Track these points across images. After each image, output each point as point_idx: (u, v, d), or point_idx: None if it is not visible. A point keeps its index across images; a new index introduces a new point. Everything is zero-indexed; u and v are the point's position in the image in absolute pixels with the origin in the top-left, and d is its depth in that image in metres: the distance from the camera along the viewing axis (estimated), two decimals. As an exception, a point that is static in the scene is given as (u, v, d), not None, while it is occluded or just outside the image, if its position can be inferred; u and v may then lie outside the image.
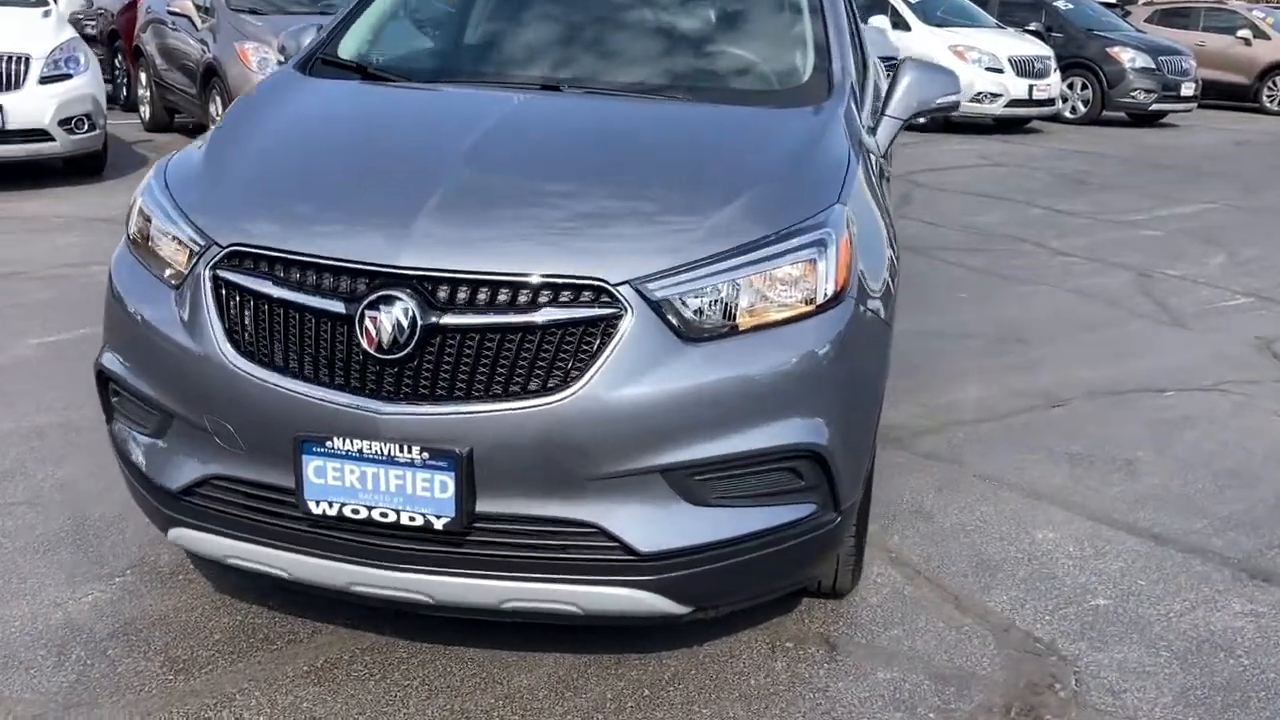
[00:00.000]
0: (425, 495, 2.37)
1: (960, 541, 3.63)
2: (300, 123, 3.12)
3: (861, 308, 2.67)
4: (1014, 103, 15.03)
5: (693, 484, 2.46)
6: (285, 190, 2.71)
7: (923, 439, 4.47)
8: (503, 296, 2.37)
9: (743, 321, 2.50)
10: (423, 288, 2.37)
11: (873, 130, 3.56)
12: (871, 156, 3.35)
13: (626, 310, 2.38)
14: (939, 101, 3.64)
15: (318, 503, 2.41)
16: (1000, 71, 14.91)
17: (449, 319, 2.35)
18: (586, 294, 2.39)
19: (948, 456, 4.31)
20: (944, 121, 14.69)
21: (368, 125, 3.15)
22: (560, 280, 2.38)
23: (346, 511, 2.40)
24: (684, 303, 2.44)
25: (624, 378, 2.36)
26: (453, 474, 2.34)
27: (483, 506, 2.40)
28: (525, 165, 2.76)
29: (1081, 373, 5.39)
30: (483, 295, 2.37)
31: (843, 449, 2.61)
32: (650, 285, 2.42)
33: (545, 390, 2.36)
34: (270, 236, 2.51)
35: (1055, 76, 15.55)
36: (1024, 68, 15.12)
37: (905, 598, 3.27)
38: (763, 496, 2.55)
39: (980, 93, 14.71)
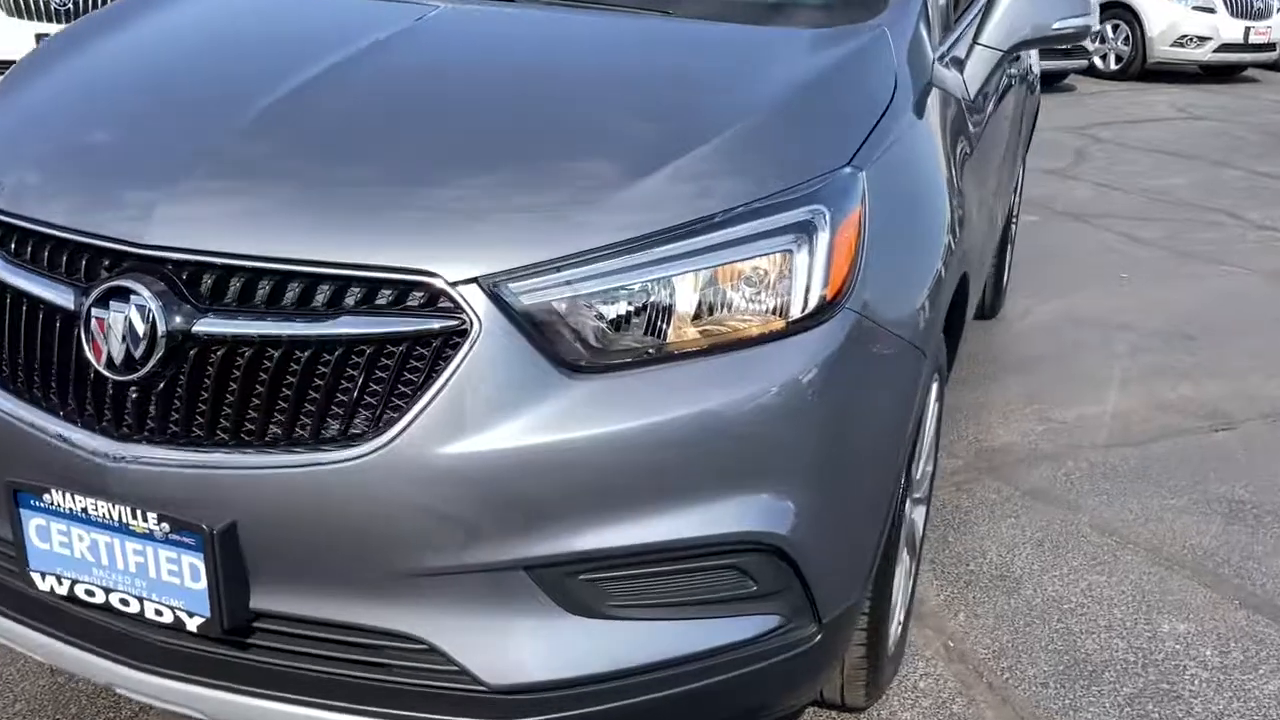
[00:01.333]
0: (173, 582, 1.63)
1: (1051, 627, 2.68)
2: (112, 43, 2.31)
3: (870, 326, 1.77)
4: (1225, 47, 13.12)
5: (577, 586, 1.64)
6: (44, 134, 1.97)
7: (1032, 468, 3.49)
8: (289, 295, 1.59)
9: (670, 343, 1.65)
10: (177, 278, 1.61)
11: (958, 64, 2.60)
12: (945, 100, 2.40)
13: (472, 322, 1.57)
14: (1058, 27, 2.63)
15: (44, 575, 1.71)
16: (1211, 11, 13.07)
17: (206, 325, 1.58)
18: (414, 296, 1.58)
19: (1060, 495, 3.33)
20: (1140, 67, 13.01)
21: (195, 43, 2.32)
22: (373, 274, 1.58)
23: (80, 591, 1.69)
24: (570, 314, 1.61)
25: (464, 425, 1.56)
26: (202, 556, 1.59)
27: (262, 602, 1.64)
28: (375, 113, 1.91)
29: (1263, 386, 4.26)
30: (261, 291, 1.59)
31: (824, 538, 1.75)
32: (514, 286, 1.59)
33: (344, 439, 1.57)
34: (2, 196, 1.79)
35: (1278, 18, 13.58)
36: (1240, 7, 13.21)
37: (953, 718, 2.37)
38: (693, 605, 1.71)
39: (1185, 35, 12.94)
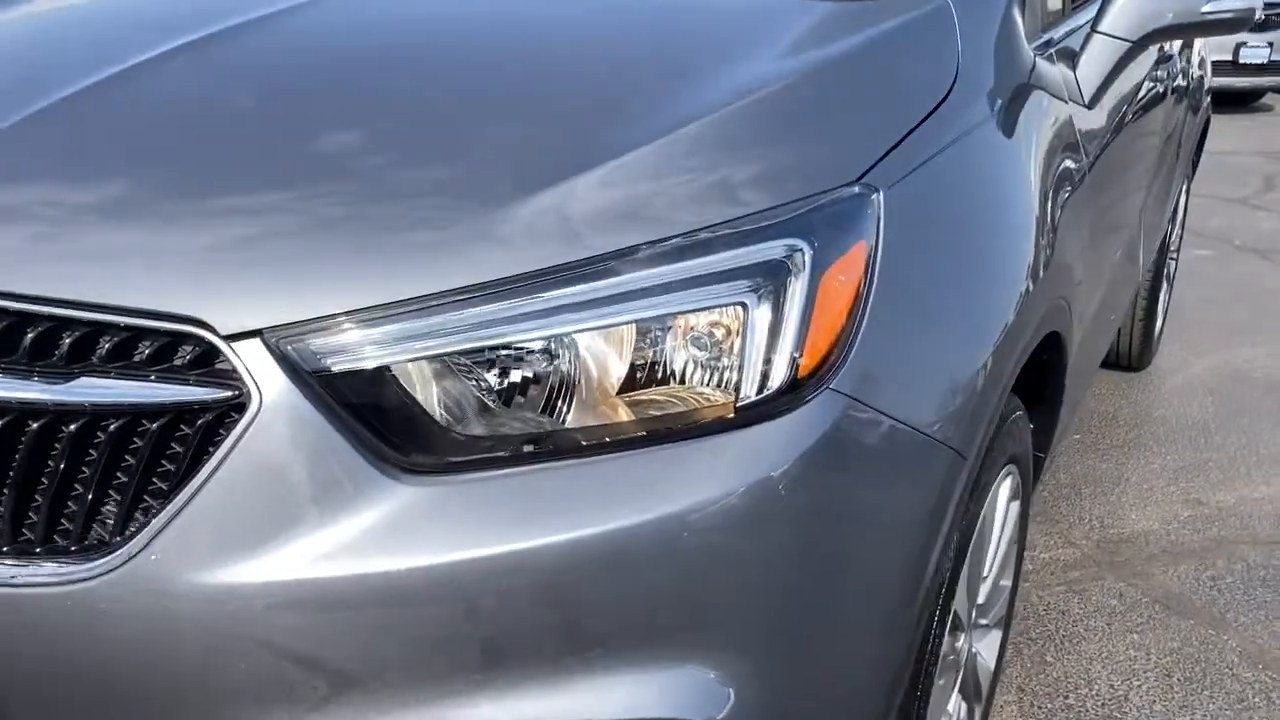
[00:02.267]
0: None
1: (1170, 799, 2.04)
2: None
3: (869, 416, 1.23)
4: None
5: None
6: None
7: (1169, 566, 2.81)
8: (20, 346, 1.14)
9: (557, 434, 1.15)
10: None
11: (1069, 58, 2.00)
12: (1044, 104, 1.82)
13: (250, 392, 1.09)
14: (1208, 11, 2.01)
15: None
16: None
17: None
18: (180, 352, 1.12)
19: (1203, 607, 2.64)
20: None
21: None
22: (123, 319, 1.12)
23: None
24: (403, 385, 1.12)
25: (232, 540, 1.08)
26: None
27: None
28: (178, 113, 1.41)
29: None
30: None
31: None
32: (316, 344, 1.11)
33: (80, 548, 1.12)
34: None
35: None
36: None
37: None
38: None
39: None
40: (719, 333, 1.18)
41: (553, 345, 1.15)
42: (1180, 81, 3.26)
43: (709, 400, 1.17)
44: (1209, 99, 3.99)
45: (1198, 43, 3.70)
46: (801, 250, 1.21)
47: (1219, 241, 5.87)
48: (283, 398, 1.09)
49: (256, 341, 1.09)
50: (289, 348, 1.09)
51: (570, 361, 1.16)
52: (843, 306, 1.22)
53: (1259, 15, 2.08)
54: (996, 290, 1.48)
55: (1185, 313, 4.61)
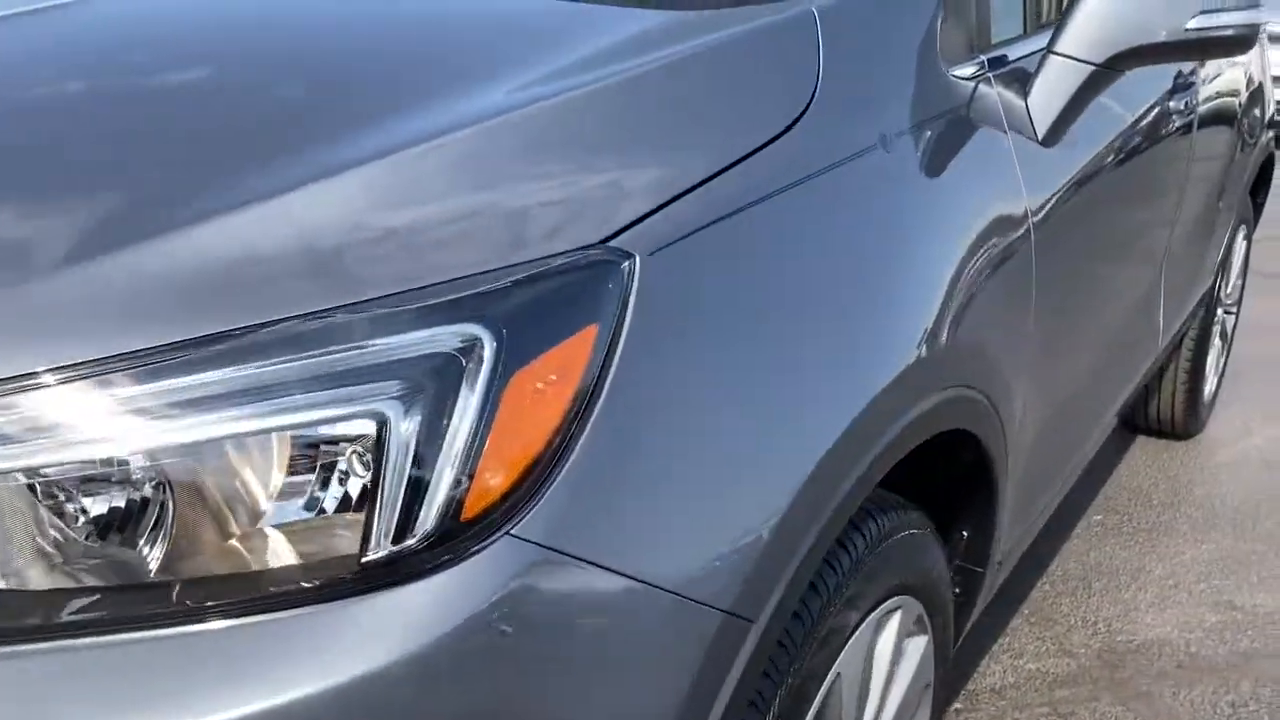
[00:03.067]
0: None
1: None
2: None
3: (581, 577, 0.88)
4: None
5: None
6: None
7: (1183, 687, 2.36)
8: None
9: (109, 600, 0.83)
10: None
11: (1020, 82, 1.62)
12: (972, 134, 1.45)
13: None
14: (1194, 28, 1.60)
15: None
16: None
17: None
18: None
19: (1214, 742, 2.20)
20: None
21: None
22: None
23: None
24: None
25: None
26: None
27: None
28: None
29: None
30: None
31: None
32: None
33: None
34: None
35: None
36: None
37: None
38: None
39: None
40: (353, 457, 0.85)
41: (117, 468, 0.84)
42: (1218, 111, 2.82)
43: (328, 551, 0.85)
44: (1272, 133, 3.51)
45: (1251, 65, 3.24)
46: (479, 341, 0.87)
47: (1301, 290, 5.31)
48: None
49: None
50: None
51: (127, 496, 0.84)
52: (547, 418, 0.89)
53: (1269, 30, 1.67)
54: (828, 387, 1.12)
55: (1253, 372, 4.10)
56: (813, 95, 1.22)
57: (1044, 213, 1.63)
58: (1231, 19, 1.62)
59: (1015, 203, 1.56)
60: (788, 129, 1.17)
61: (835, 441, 1.11)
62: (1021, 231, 1.56)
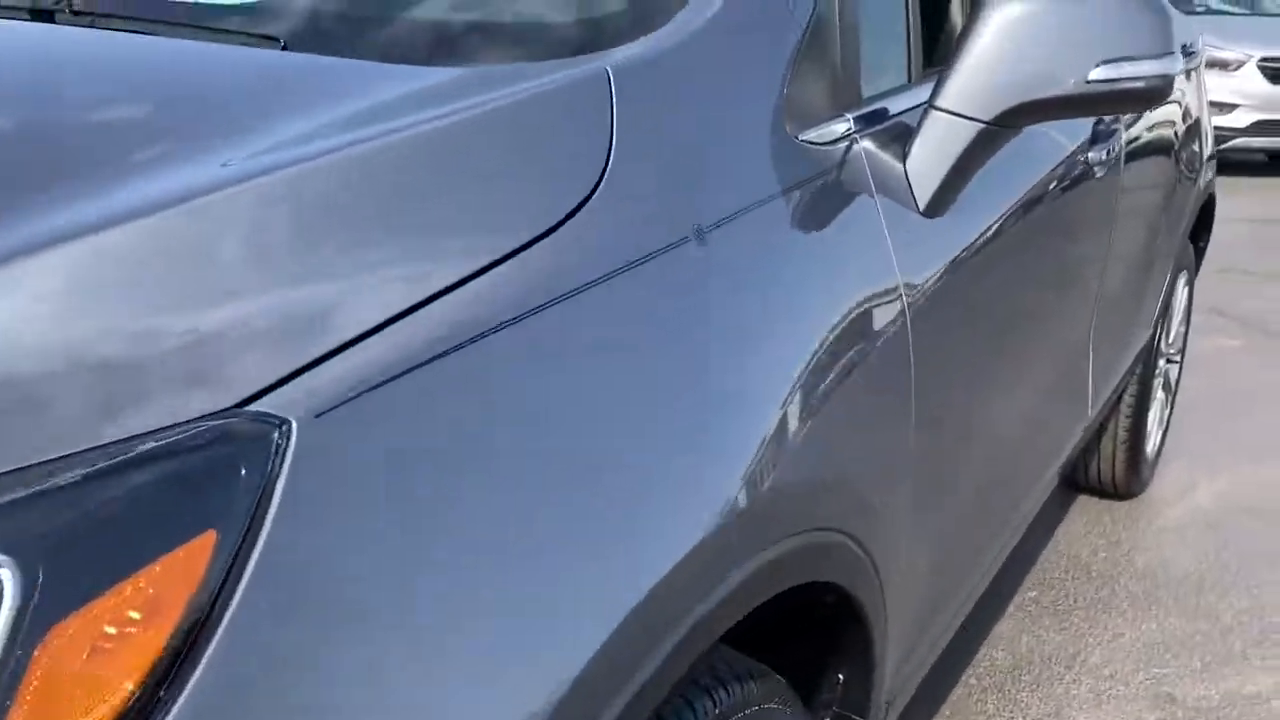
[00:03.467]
0: None
1: None
2: None
3: None
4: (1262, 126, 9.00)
5: None
6: None
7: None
8: None
9: None
10: None
11: (899, 141, 1.37)
12: (829, 210, 1.20)
13: None
14: (1097, 80, 1.35)
15: None
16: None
17: None
18: None
19: None
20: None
21: None
22: None
23: None
24: None
25: None
26: None
27: None
28: None
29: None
30: None
31: None
32: None
33: None
34: None
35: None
36: None
37: None
38: None
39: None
40: None
41: None
42: (1149, 156, 2.60)
43: None
44: (1210, 174, 3.30)
45: (1188, 96, 3.02)
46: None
47: (1252, 328, 5.12)
48: None
49: None
50: None
51: None
52: (119, 674, 0.61)
53: (1174, 75, 1.43)
54: (600, 569, 0.85)
55: (1199, 418, 3.89)
56: (598, 181, 0.96)
57: (925, 297, 1.38)
58: (1142, 69, 1.37)
59: (886, 289, 1.30)
60: (557, 226, 0.91)
61: (616, 630, 0.84)
62: (894, 323, 1.31)
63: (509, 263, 0.86)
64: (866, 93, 1.44)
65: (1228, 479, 3.52)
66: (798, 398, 1.09)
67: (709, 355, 1.01)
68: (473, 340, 0.81)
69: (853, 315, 1.22)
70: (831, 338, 1.17)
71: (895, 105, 1.47)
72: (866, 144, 1.36)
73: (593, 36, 1.13)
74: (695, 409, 0.98)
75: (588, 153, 0.97)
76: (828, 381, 1.15)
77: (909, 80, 1.58)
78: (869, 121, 1.39)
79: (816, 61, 1.29)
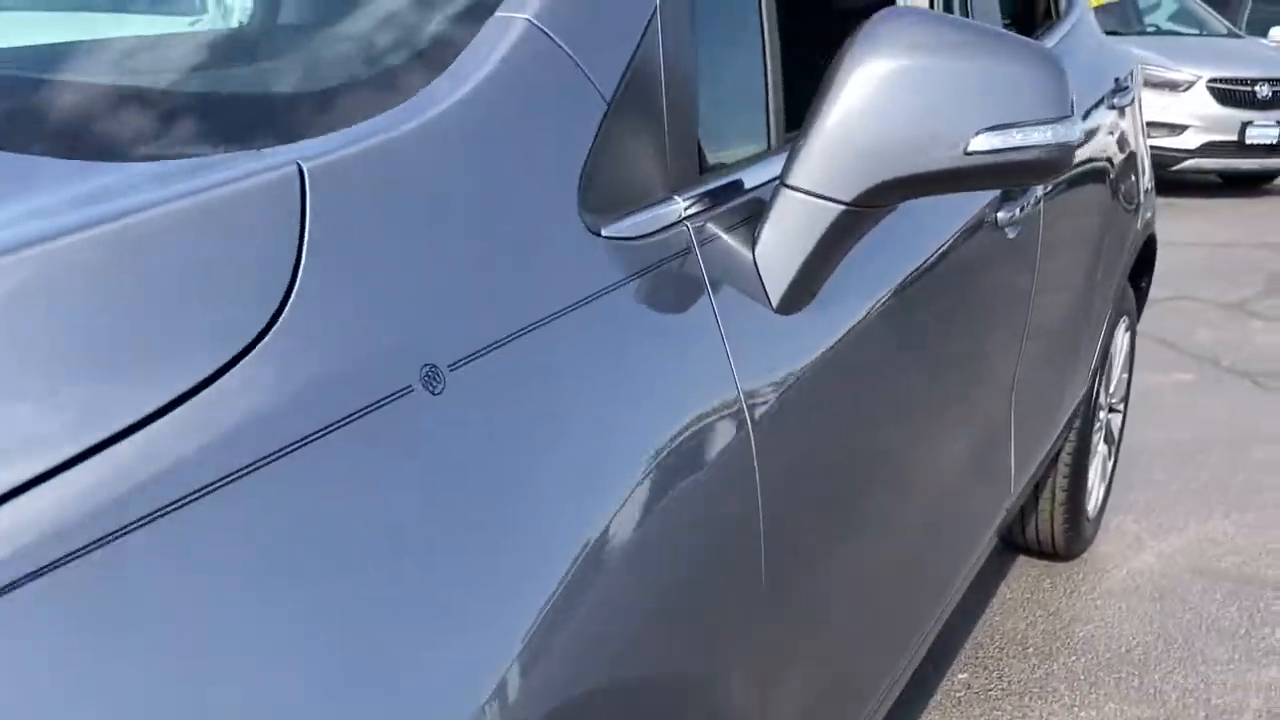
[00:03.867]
0: None
1: None
2: None
3: None
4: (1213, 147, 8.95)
5: None
6: None
7: None
8: None
9: None
10: None
11: (744, 226, 1.14)
12: (654, 316, 0.97)
13: None
14: (979, 150, 1.13)
15: None
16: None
17: None
18: None
19: None
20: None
21: None
22: None
23: None
24: None
25: None
26: None
27: None
28: None
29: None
30: None
31: None
32: None
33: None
34: None
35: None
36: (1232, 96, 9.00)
37: None
38: None
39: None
40: None
41: None
42: (1077, 200, 2.39)
43: None
44: (1149, 210, 3.10)
45: (1124, 125, 2.82)
46: None
47: (1204, 362, 4.94)
48: None
49: None
50: None
51: None
52: None
53: (1075, 144, 1.21)
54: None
55: (1146, 465, 3.69)
56: (274, 316, 0.72)
57: (776, 410, 1.15)
58: (1033, 137, 1.15)
59: (719, 405, 1.07)
60: (211, 379, 0.67)
61: None
62: (731, 450, 1.07)
63: (142, 433, 0.63)
64: (711, 164, 1.21)
65: (1176, 537, 3.31)
66: (584, 581, 0.85)
67: (448, 532, 0.77)
68: (93, 547, 0.58)
69: (670, 449, 0.98)
70: (636, 485, 0.94)
71: (751, 178, 1.25)
72: (707, 230, 1.13)
73: (302, 118, 0.89)
74: (420, 605, 0.74)
75: (266, 282, 0.73)
76: (627, 547, 0.91)
77: (769, 146, 1.35)
78: (711, 201, 1.16)
79: (633, 133, 1.06)
